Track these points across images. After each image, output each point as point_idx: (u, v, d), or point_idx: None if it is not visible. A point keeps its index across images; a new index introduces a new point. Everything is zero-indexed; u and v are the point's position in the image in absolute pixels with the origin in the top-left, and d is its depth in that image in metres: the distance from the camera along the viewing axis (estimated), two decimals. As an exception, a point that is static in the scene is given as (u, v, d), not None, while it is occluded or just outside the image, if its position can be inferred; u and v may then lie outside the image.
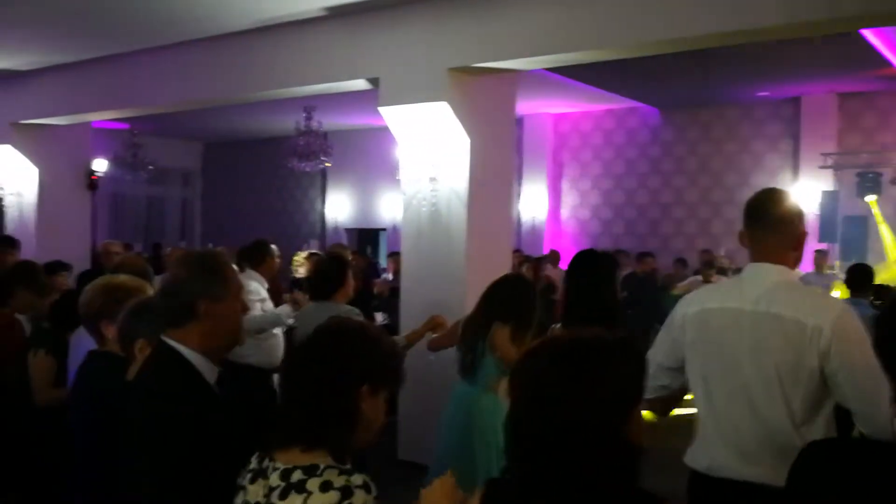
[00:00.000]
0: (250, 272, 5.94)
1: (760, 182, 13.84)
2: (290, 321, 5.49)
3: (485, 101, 6.60)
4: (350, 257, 6.71)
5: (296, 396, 1.86)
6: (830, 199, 12.35)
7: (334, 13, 6.86)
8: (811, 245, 12.59)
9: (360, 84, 7.09)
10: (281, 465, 1.82)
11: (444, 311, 5.29)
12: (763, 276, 2.61)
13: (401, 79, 6.53)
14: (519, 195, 15.86)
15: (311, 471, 1.78)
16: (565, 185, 15.86)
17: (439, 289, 6.48)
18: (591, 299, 3.66)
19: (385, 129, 6.84)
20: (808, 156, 13.09)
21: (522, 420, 1.58)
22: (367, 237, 17.83)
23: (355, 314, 4.52)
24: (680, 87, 12.84)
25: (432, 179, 6.61)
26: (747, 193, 12.23)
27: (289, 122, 13.42)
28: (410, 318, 6.02)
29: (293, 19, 7.11)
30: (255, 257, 6.11)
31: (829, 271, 10.22)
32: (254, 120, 15.71)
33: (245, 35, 7.62)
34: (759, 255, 2.64)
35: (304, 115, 13.02)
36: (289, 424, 1.84)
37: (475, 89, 6.50)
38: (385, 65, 6.65)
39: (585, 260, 3.81)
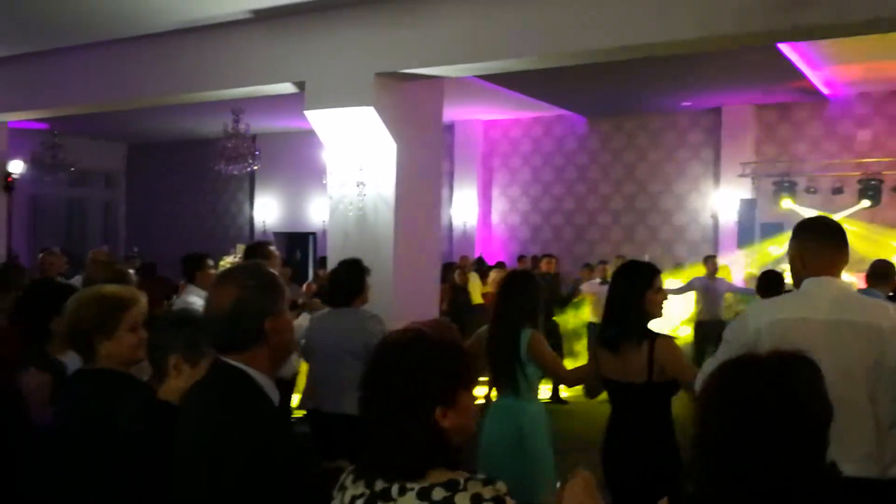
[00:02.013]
0: (191, 287, 5.85)
1: (683, 189, 14.26)
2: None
3: (412, 107, 6.64)
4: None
5: (382, 421, 1.77)
6: (748, 206, 12.77)
7: (260, 16, 6.82)
8: (726, 251, 13.02)
9: (287, 88, 7.05)
10: (415, 485, 1.72)
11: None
12: (829, 288, 2.81)
13: (327, 83, 6.52)
14: (450, 201, 15.96)
15: (452, 486, 1.70)
16: (496, 192, 16.02)
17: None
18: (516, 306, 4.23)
19: (315, 133, 6.82)
20: (727, 164, 13.52)
21: (733, 442, 1.54)
22: (296, 241, 17.68)
23: (379, 320, 4.52)
24: (606, 97, 13.12)
25: (359, 184, 6.62)
26: (670, 200, 12.67)
27: (217, 125, 13.24)
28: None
29: (219, 21, 7.03)
30: (192, 271, 6.01)
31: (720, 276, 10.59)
32: (181, 122, 15.44)
33: (170, 35, 7.50)
34: (817, 271, 2.84)
35: (231, 117, 12.86)
36: (382, 449, 1.77)
37: (402, 95, 6.53)
38: (311, 69, 6.63)
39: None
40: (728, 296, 10.45)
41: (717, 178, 13.86)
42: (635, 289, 3.68)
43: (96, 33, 7.76)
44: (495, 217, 16.03)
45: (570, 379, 4.42)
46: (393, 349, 1.83)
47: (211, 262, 6.21)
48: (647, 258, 13.21)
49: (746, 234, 12.65)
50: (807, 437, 1.54)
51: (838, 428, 2.52)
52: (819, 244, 2.88)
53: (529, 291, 4.33)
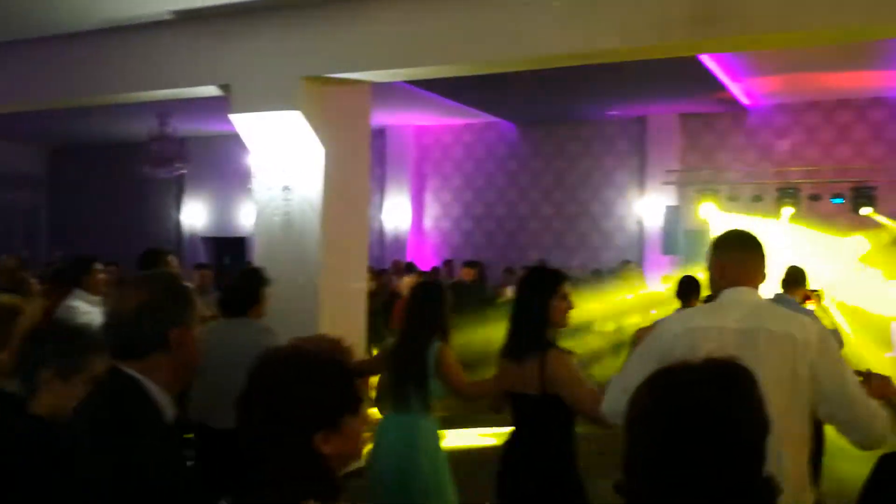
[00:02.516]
0: (78, 291, 5.50)
1: (610, 197, 14.53)
2: None
3: (339, 111, 6.62)
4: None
5: (259, 451, 1.63)
6: (673, 213, 13.08)
7: (183, 17, 6.72)
8: (651, 257, 13.30)
9: (212, 90, 6.96)
10: None
11: (296, 323, 5.23)
12: (745, 298, 2.77)
13: (252, 86, 6.46)
14: (381, 206, 15.95)
15: None
16: (428, 197, 16.06)
17: (292, 300, 6.43)
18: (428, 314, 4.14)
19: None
20: (653, 172, 13.82)
21: (667, 456, 1.44)
22: (227, 246, 17.41)
23: (272, 333, 4.25)
24: (536, 105, 13.29)
25: (286, 188, 6.57)
26: (598, 207, 12.87)
27: (144, 127, 12.97)
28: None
29: (142, 21, 6.90)
30: (78, 275, 5.60)
31: None
32: (106, 124, 15.06)
33: (92, 35, 7.32)
34: (735, 281, 2.81)
35: (158, 119, 12.63)
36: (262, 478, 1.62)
37: (329, 99, 6.51)
38: (236, 72, 6.56)
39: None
40: None
41: (642, 185, 14.16)
42: (539, 296, 3.52)
43: (14, 31, 7.54)
44: (427, 222, 16.08)
45: (473, 394, 4.19)
46: (268, 366, 1.68)
47: (100, 267, 5.76)
48: (576, 263, 13.49)
49: (671, 241, 12.95)
50: (744, 448, 1.46)
51: None
52: (737, 255, 2.86)
53: (437, 303, 4.19)
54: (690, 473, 1.43)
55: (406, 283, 9.32)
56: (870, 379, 2.76)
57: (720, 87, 11.72)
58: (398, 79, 6.88)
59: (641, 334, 3.15)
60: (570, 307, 3.57)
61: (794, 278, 6.58)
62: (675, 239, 12.94)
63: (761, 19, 5.16)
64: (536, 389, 3.42)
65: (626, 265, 11.13)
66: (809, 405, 2.63)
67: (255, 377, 1.67)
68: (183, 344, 1.98)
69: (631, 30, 5.41)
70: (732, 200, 12.61)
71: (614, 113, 14.00)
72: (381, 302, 9.59)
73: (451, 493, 4.05)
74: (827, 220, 12.52)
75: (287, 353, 1.72)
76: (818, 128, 13.12)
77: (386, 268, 13.08)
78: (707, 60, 10.44)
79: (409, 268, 13.28)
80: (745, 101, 12.91)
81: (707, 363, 1.55)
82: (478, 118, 14.78)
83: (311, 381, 1.63)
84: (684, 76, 10.97)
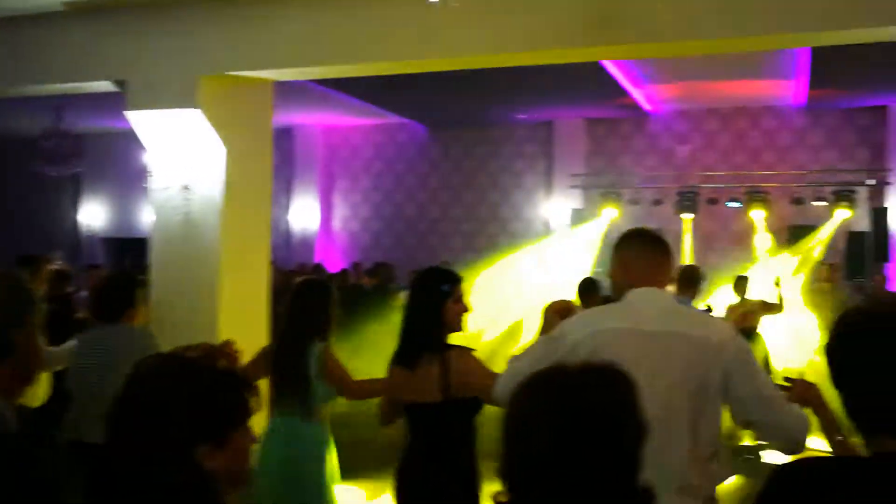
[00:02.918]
0: None
1: (519, 199, 14.71)
2: None
3: (241, 110, 6.47)
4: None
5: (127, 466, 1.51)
6: (578, 216, 13.34)
7: (76, 9, 6.46)
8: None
9: (106, 86, 6.72)
10: None
11: (196, 326, 5.08)
12: (654, 299, 2.68)
13: (149, 83, 6.26)
14: (289, 207, 15.74)
15: None
16: (337, 197, 15.93)
17: (192, 303, 6.27)
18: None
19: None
20: (560, 176, 14.07)
21: (539, 461, 1.42)
22: (128, 247, 16.84)
23: (151, 338, 4.06)
24: (446, 107, 13.35)
25: (185, 188, 6.39)
26: (508, 210, 13.03)
27: (39, 123, 12.43)
28: (161, 336, 5.68)
29: (33, 12, 6.60)
30: None
31: None
32: (-3, 118, 14.39)
33: (-23, 25, 6.97)
34: (641, 282, 2.70)
35: (53, 114, 12.11)
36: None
37: (230, 97, 6.36)
38: (132, 67, 6.34)
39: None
40: None
41: (549, 188, 14.39)
42: (433, 299, 3.32)
43: None
44: (336, 223, 15.94)
45: (361, 393, 4.03)
46: (143, 374, 1.58)
47: None
48: (490, 266, 13.59)
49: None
50: (618, 455, 1.43)
51: (655, 451, 2.48)
52: (643, 252, 2.75)
53: (322, 303, 4.03)
54: (560, 482, 1.41)
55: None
56: (794, 384, 2.68)
57: (623, 92, 12.02)
58: (301, 78, 6.79)
59: (553, 309, 2.94)
60: (465, 310, 3.37)
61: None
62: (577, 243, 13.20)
63: (660, 27, 5.30)
64: (436, 396, 3.22)
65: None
66: (721, 410, 2.58)
67: (129, 386, 1.57)
68: (23, 347, 1.87)
69: (534, 34, 5.47)
70: (634, 204, 12.94)
71: (523, 116, 14.19)
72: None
73: (336, 499, 3.96)
74: (723, 221, 13.00)
75: (165, 359, 1.63)
76: (716, 134, 13.60)
77: (293, 269, 12.88)
78: (610, 66, 10.68)
79: (317, 269, 13.13)
80: (646, 106, 13.27)
81: (582, 367, 1.53)
82: (388, 119, 14.74)
83: (191, 389, 1.53)
84: (589, 81, 11.20)
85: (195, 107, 6.11)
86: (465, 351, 3.33)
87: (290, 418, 3.92)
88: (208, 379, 1.56)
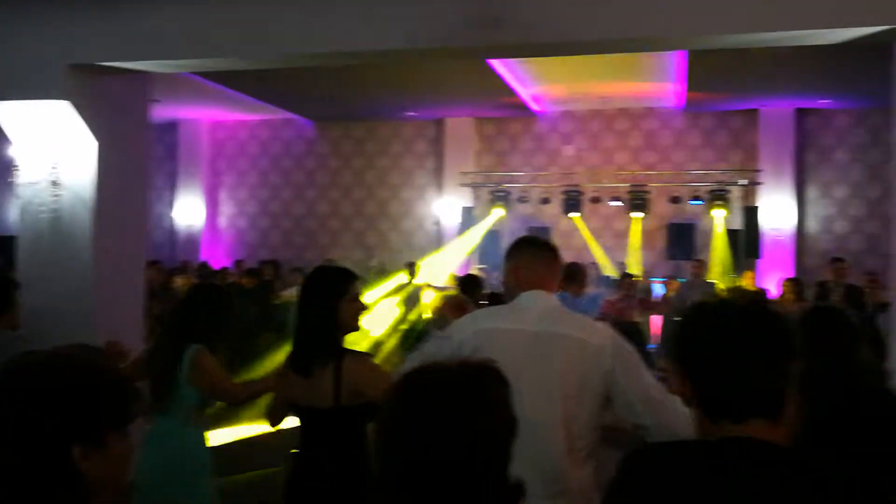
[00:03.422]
0: None
1: (410, 197, 14.71)
2: None
3: (113, 103, 6.19)
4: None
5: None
6: (468, 214, 13.45)
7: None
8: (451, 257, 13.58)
9: (-35, 74, 6.31)
10: None
11: (71, 328, 4.81)
12: (538, 301, 2.75)
13: (13, 73, 5.91)
14: (173, 203, 15.26)
15: None
16: (223, 194, 15.54)
17: (64, 303, 5.96)
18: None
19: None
20: (450, 174, 14.14)
21: (412, 454, 1.43)
22: (-4, 245, 15.93)
23: (25, 341, 3.80)
24: (334, 102, 13.21)
25: (54, 183, 6.07)
26: (398, 207, 12.95)
27: None
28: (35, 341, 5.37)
29: None
30: None
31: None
32: None
33: None
34: (530, 285, 2.79)
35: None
36: None
37: (103, 89, 6.07)
38: (-5, 55, 5.98)
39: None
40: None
41: (440, 186, 14.45)
42: (328, 299, 3.18)
43: None
44: (222, 220, 15.55)
45: (239, 396, 3.90)
46: (18, 369, 1.49)
47: None
48: (374, 263, 13.53)
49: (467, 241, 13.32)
50: (487, 451, 1.45)
51: (529, 447, 2.29)
52: (531, 258, 2.86)
53: (210, 307, 3.90)
54: (433, 476, 1.43)
55: (179, 284, 8.71)
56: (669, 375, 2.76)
57: (511, 92, 12.19)
58: (178, 70, 6.54)
59: (447, 304, 3.05)
60: (361, 308, 3.27)
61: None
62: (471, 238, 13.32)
63: (544, 28, 5.37)
64: (329, 401, 3.11)
65: (409, 265, 11.31)
66: (600, 410, 2.62)
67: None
68: None
69: (417, 31, 5.45)
70: (523, 202, 13.15)
71: (412, 114, 14.20)
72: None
73: (215, 501, 3.88)
74: (606, 220, 13.37)
75: (39, 355, 1.53)
76: (600, 135, 13.96)
77: (175, 267, 12.46)
78: (498, 66, 10.80)
79: (203, 268, 12.75)
80: (534, 107, 13.50)
81: (455, 365, 1.55)
82: (275, 114, 14.47)
83: (66, 383, 1.45)
84: (478, 81, 11.31)
85: (63, 98, 5.81)
86: (361, 357, 3.24)
87: (166, 422, 3.81)
88: (85, 375, 1.49)
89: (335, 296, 3.19)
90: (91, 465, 1.43)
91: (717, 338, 1.62)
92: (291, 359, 3.24)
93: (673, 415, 2.47)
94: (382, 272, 12.25)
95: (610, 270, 12.40)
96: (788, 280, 9.28)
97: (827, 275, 9.71)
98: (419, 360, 2.56)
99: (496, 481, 1.47)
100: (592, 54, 7.19)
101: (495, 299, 6.12)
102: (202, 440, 3.86)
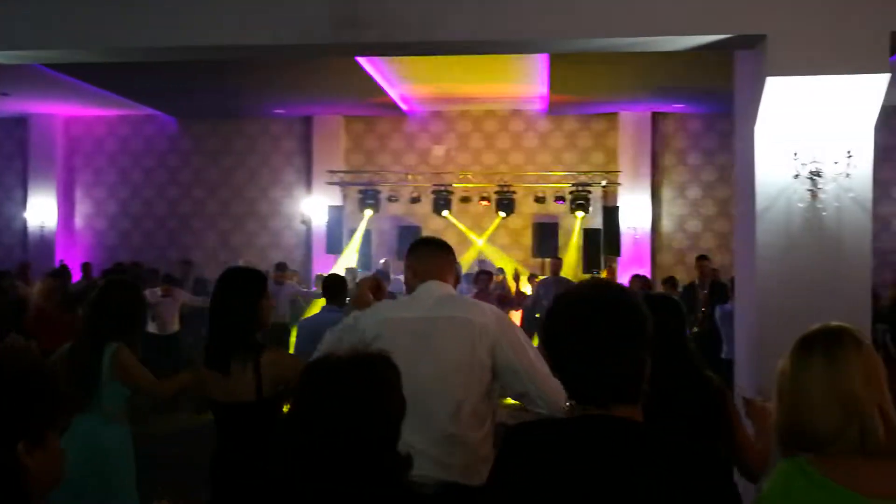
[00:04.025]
0: None
1: (278, 195, 14.48)
2: None
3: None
4: None
5: None
6: (337, 213, 13.36)
7: None
8: (318, 256, 13.49)
9: None
10: None
11: None
12: (433, 290, 3.04)
13: None
14: (25, 202, 14.44)
15: None
16: (79, 193, 14.81)
17: None
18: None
19: None
20: (318, 172, 14.00)
21: (315, 437, 1.62)
22: None
23: None
24: (198, 98, 12.83)
25: None
26: (266, 206, 12.75)
27: None
28: None
29: None
30: None
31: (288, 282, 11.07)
32: None
33: None
34: (425, 277, 3.09)
35: None
36: None
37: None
38: None
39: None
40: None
41: (308, 184, 14.29)
42: (250, 299, 3.39)
43: None
44: (79, 221, 14.82)
45: (165, 392, 4.04)
46: None
47: None
48: (241, 262, 13.20)
49: (335, 240, 13.21)
50: (380, 429, 1.65)
51: (423, 421, 2.70)
52: (425, 254, 3.19)
53: (123, 303, 3.93)
54: (331, 457, 1.62)
55: (38, 288, 8.17)
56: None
57: (381, 91, 12.19)
58: (24, 61, 6.20)
59: (367, 285, 3.35)
60: (272, 305, 3.63)
61: (331, 287, 6.12)
62: (339, 238, 13.23)
63: (405, 28, 5.41)
64: (252, 396, 3.27)
65: (279, 266, 11.18)
66: (489, 384, 2.91)
67: None
68: None
69: (277, 28, 5.39)
70: (393, 201, 13.19)
71: (280, 111, 13.98)
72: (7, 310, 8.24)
73: (135, 497, 3.87)
74: (475, 219, 13.60)
75: None
76: (468, 135, 14.18)
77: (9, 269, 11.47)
78: (367, 65, 10.78)
79: (62, 270, 11.96)
80: (403, 106, 13.56)
81: (350, 355, 1.73)
82: (135, 109, 13.92)
83: (10, 388, 1.54)
84: (346, 79, 11.24)
85: None
86: (275, 349, 3.50)
87: (88, 421, 3.78)
88: (27, 375, 1.58)
89: (257, 296, 3.42)
90: (33, 461, 1.53)
91: (574, 330, 1.74)
92: (209, 357, 3.40)
93: (549, 382, 2.76)
94: None
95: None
96: (635, 276, 9.85)
97: (693, 272, 10.24)
98: (331, 343, 3.04)
99: (388, 454, 1.67)
100: (453, 55, 7.30)
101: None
102: (126, 438, 3.88)
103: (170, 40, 5.49)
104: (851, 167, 5.25)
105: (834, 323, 1.93)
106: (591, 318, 1.73)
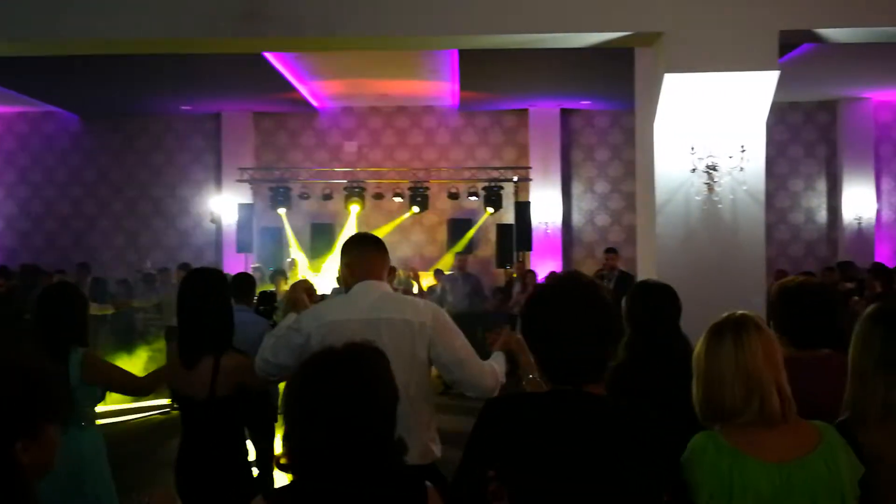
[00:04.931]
0: None
1: (187, 194, 14.16)
2: None
3: None
4: None
5: None
6: (247, 210, 13.14)
7: None
8: (229, 255, 13.26)
9: None
10: None
11: None
12: (370, 290, 3.10)
13: None
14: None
15: None
16: (-26, 194, 14.17)
17: None
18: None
19: None
20: (228, 170, 13.74)
21: (319, 427, 1.71)
22: None
23: None
24: (101, 94, 12.43)
25: None
26: (174, 205, 12.42)
27: None
28: None
29: None
30: None
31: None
32: None
33: None
34: (362, 276, 3.13)
35: None
36: None
37: None
38: None
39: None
40: None
41: (218, 182, 14.02)
42: (227, 300, 3.60)
43: None
44: (-26, 222, 14.18)
45: (148, 386, 4.04)
46: None
47: None
48: (149, 264, 12.85)
49: (245, 238, 13.00)
50: (378, 415, 1.76)
51: None
52: (361, 252, 3.21)
53: (74, 307, 3.80)
54: (335, 442, 1.71)
55: None
56: (499, 334, 3.21)
57: (290, 87, 12.05)
58: None
59: (301, 287, 3.40)
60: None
61: (241, 286, 6.09)
62: (250, 237, 13.03)
63: (309, 22, 5.38)
64: (204, 394, 3.40)
65: (182, 266, 10.91)
66: (429, 375, 3.06)
67: None
68: None
69: (177, 21, 5.28)
70: (304, 198, 13.06)
71: (187, 108, 13.66)
72: None
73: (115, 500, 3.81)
74: (389, 216, 13.58)
75: None
76: (381, 132, 14.15)
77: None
78: (273, 60, 10.63)
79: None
80: (314, 102, 13.43)
81: (346, 348, 1.84)
82: (34, 107, 13.40)
83: (6, 392, 1.55)
84: (254, 74, 11.06)
85: None
86: (237, 351, 3.53)
87: (64, 427, 3.57)
88: (22, 375, 1.59)
89: (227, 297, 3.64)
90: (29, 455, 1.56)
91: (554, 320, 1.99)
92: (181, 352, 3.51)
93: (476, 369, 3.02)
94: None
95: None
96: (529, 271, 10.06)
97: (601, 264, 10.43)
98: (272, 342, 3.11)
99: (386, 440, 1.78)
100: (359, 50, 7.29)
101: (266, 299, 6.03)
102: (101, 441, 3.81)
103: (57, 33, 5.31)
104: (745, 161, 5.48)
105: (740, 311, 2.18)
106: (569, 310, 1.98)
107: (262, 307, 5.81)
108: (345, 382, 1.74)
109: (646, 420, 1.95)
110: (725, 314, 2.18)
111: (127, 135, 14.15)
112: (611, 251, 9.99)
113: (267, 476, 5.28)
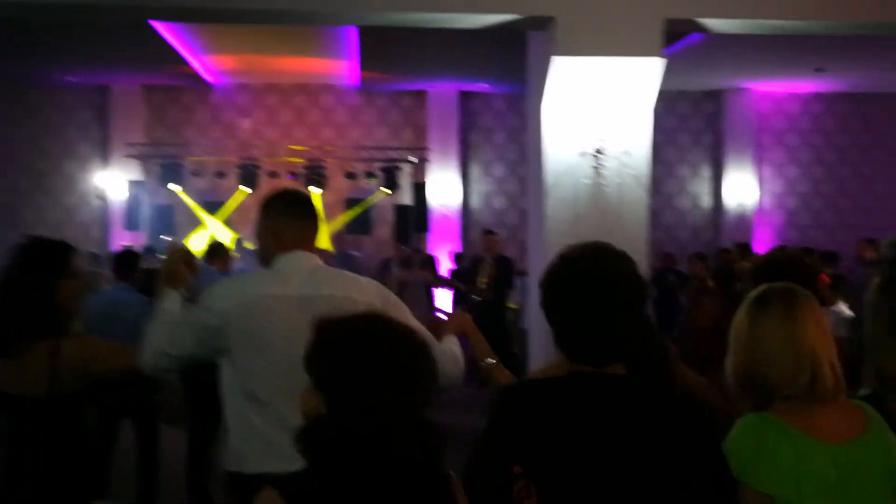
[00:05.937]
0: None
1: (71, 169, 13.58)
2: None
3: None
4: None
5: None
6: (138, 188, 12.70)
7: None
8: (117, 233, 12.81)
9: None
10: None
11: None
12: (301, 263, 2.68)
13: None
14: None
15: None
16: None
17: None
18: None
19: None
20: (117, 145, 13.23)
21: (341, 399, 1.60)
22: None
23: None
24: (-25, 62, 11.74)
25: None
26: (58, 181, 11.90)
27: None
28: None
29: None
30: None
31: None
32: None
33: None
34: (292, 246, 2.70)
35: None
36: None
37: None
38: None
39: None
40: None
41: (105, 158, 13.48)
42: (42, 275, 2.93)
43: None
44: None
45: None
46: None
47: None
48: (84, 256, 12.18)
49: (134, 216, 12.56)
50: (407, 385, 1.60)
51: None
52: (290, 218, 2.73)
53: (37, 297, 3.15)
54: (350, 417, 1.58)
55: None
56: (450, 316, 2.98)
57: (182, 60, 11.66)
58: None
59: (179, 258, 2.90)
60: (83, 288, 3.13)
61: (214, 250, 7.17)
62: (139, 214, 12.60)
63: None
64: (42, 391, 2.86)
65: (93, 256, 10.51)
66: None
67: None
68: None
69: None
70: (197, 176, 12.70)
71: (72, 79, 13.05)
72: None
73: None
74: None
75: None
76: (277, 109, 13.88)
77: None
78: (164, 31, 10.26)
79: None
80: (207, 77, 13.05)
81: (363, 317, 1.73)
82: None
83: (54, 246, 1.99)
84: (144, 46, 10.65)
85: None
86: (83, 338, 3.07)
87: None
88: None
89: (56, 271, 2.96)
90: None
91: (577, 294, 1.81)
92: None
93: (438, 355, 2.75)
94: None
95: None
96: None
97: (479, 247, 10.46)
98: (168, 330, 2.62)
99: (422, 421, 1.62)
100: (253, 24, 7.11)
101: (149, 276, 5.83)
102: None
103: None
104: (631, 145, 5.63)
105: (784, 283, 2.09)
106: (594, 283, 1.80)
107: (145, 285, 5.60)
108: (362, 348, 1.63)
109: (685, 408, 1.81)
110: (765, 285, 2.08)
111: (5, 105, 13.38)
112: (489, 233, 9.93)
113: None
